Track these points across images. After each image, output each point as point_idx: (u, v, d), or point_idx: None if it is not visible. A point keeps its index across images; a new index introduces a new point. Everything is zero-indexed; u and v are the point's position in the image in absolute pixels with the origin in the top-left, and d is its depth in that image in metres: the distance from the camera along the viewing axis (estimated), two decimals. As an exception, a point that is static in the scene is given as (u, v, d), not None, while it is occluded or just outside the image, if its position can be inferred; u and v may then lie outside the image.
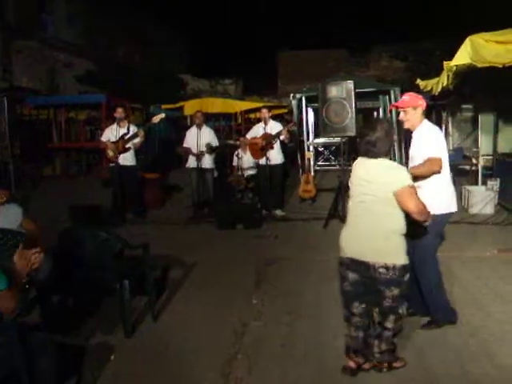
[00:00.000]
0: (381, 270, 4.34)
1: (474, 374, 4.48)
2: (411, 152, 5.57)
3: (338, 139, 12.38)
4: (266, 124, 11.22)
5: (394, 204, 4.33)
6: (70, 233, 5.91)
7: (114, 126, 11.24)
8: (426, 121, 5.56)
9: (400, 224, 4.40)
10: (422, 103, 5.54)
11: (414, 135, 5.53)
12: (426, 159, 5.27)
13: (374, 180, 4.41)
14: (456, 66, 8.88)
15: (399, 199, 4.30)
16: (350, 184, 4.73)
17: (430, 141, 5.33)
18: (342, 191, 10.34)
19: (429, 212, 4.42)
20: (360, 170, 4.58)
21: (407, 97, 5.59)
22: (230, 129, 22.51)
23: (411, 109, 5.44)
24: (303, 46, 41.61)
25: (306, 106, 15.79)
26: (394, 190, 4.28)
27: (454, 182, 5.74)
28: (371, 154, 4.48)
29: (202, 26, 45.67)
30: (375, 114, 18.15)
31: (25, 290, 3.96)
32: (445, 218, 5.49)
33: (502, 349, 4.90)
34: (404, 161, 14.78)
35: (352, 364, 4.57)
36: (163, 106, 20.77)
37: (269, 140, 11.02)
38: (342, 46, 41.70)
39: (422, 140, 5.39)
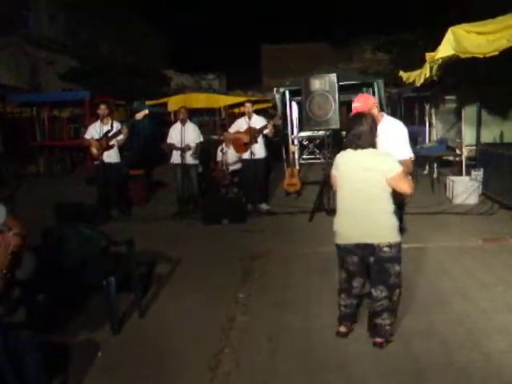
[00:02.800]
0: (385, 248, 4.70)
1: (460, 362, 4.51)
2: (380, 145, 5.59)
3: (322, 132, 12.38)
4: (249, 118, 11.21)
5: (387, 188, 4.71)
6: (55, 230, 5.88)
7: (98, 123, 11.17)
8: (385, 115, 5.67)
9: (392, 205, 4.77)
10: (375, 102, 5.59)
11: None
12: (403, 159, 5.42)
13: (370, 168, 4.71)
14: (441, 58, 8.95)
15: (394, 183, 4.68)
16: (336, 175, 5.02)
17: (403, 138, 5.45)
18: (327, 184, 10.36)
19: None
20: (353, 160, 4.86)
21: (358, 104, 5.59)
22: (214, 124, 22.46)
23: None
24: (287, 39, 41.65)
25: (290, 100, 15.79)
26: (388, 177, 4.65)
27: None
28: (357, 146, 4.80)
29: (186, 22, 45.61)
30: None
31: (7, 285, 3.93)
32: None
33: (488, 337, 4.94)
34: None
35: (343, 329, 5.07)
36: (147, 102, 20.67)
37: (253, 134, 11.00)
38: (326, 39, 41.75)
39: (393, 135, 5.46)
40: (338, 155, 5.04)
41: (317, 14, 44.35)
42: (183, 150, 11.11)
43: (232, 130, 11.60)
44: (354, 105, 5.59)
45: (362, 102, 5.58)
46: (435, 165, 14.11)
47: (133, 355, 5.03)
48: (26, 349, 3.81)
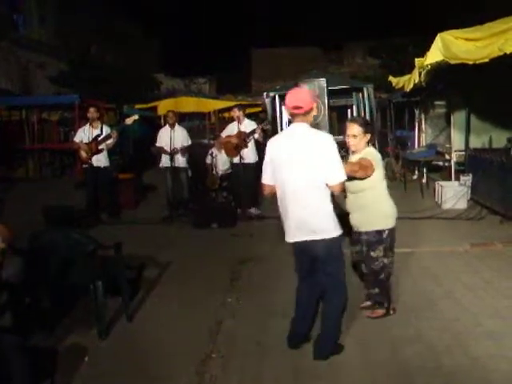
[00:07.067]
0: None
1: (448, 366, 4.52)
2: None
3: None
4: (239, 123, 11.20)
5: None
6: (42, 234, 5.86)
7: (87, 126, 11.18)
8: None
9: None
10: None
11: None
12: None
13: None
14: (430, 64, 8.98)
15: None
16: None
17: None
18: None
19: None
20: None
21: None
22: (204, 128, 22.46)
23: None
24: (277, 43, 41.74)
25: (280, 104, 15.79)
26: None
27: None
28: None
29: (176, 26, 45.68)
30: (349, 111, 18.21)
31: None
32: None
33: (476, 341, 4.95)
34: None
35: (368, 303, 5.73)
36: (137, 106, 20.68)
37: (243, 138, 11.00)
38: (316, 43, 41.85)
39: None
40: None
41: (307, 18, 44.41)
42: (172, 154, 11.12)
43: (224, 134, 11.63)
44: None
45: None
46: (424, 170, 14.16)
47: (120, 359, 5.01)
48: (12, 353, 3.78)
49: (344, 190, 5.00)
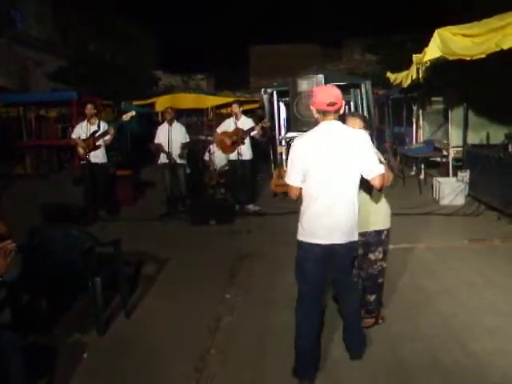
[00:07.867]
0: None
1: (445, 362, 4.54)
2: None
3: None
4: (237, 119, 11.20)
5: None
6: (40, 231, 5.85)
7: (84, 122, 11.16)
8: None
9: None
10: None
11: None
12: None
13: None
14: (429, 60, 8.99)
15: None
16: None
17: None
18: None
19: None
20: None
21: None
22: (202, 124, 22.41)
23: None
24: (275, 40, 41.74)
25: (278, 101, 15.76)
26: None
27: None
28: None
29: (174, 22, 45.68)
30: (347, 107, 18.19)
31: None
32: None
33: (473, 337, 4.98)
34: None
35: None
36: (134, 103, 20.59)
37: (240, 135, 11.00)
38: (315, 40, 41.86)
39: None
40: None
41: (306, 14, 44.41)
42: (169, 154, 11.09)
43: (220, 129, 11.61)
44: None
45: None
46: (422, 166, 14.17)
47: (119, 356, 5.01)
48: (10, 350, 3.78)
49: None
